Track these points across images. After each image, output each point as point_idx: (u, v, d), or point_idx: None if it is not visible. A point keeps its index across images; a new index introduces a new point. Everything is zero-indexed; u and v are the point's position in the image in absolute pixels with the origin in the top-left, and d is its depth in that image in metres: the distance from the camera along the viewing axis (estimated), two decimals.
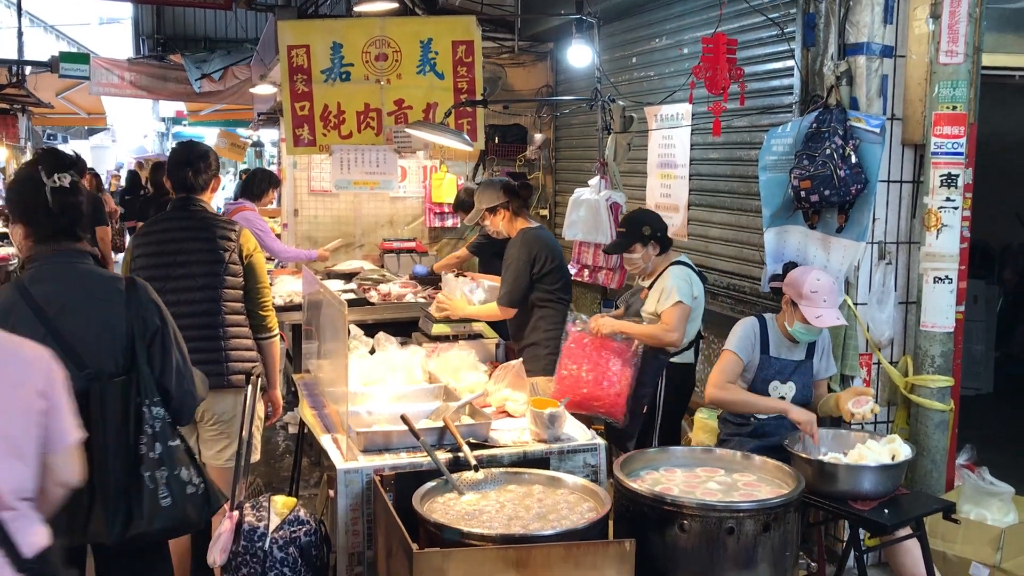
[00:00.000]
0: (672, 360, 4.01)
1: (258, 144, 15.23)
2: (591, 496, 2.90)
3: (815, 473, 3.20)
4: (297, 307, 5.09)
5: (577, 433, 3.41)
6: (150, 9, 17.61)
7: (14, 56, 14.51)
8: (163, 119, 22.94)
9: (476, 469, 3.03)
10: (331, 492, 4.27)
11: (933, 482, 3.77)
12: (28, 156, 15.96)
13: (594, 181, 5.05)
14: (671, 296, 3.91)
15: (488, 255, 6.40)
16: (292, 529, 3.00)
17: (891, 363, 3.97)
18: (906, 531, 3.27)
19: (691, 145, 5.12)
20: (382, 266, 7.19)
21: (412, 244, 7.20)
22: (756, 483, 3.06)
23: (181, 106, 20.09)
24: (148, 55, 16.70)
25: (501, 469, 3.08)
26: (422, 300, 5.90)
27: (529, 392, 3.66)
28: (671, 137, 5.31)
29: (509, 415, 3.69)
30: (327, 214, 7.56)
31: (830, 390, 3.82)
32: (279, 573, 2.94)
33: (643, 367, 3.92)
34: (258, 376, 3.52)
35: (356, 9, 5.71)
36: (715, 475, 3.15)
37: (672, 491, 2.95)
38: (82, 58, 14.76)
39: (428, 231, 7.70)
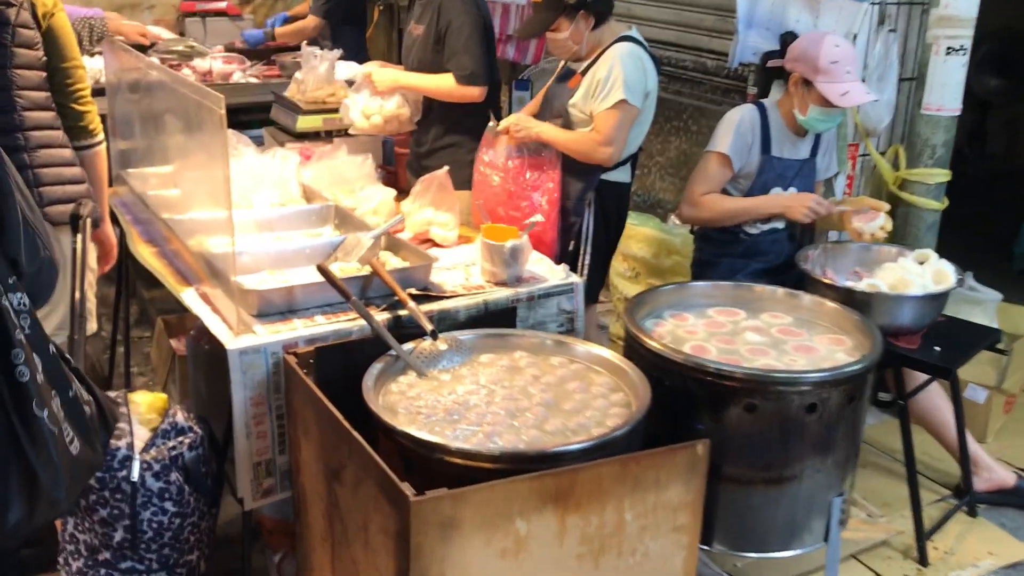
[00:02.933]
0: (602, 177, 2.98)
1: None
2: (602, 364, 2.10)
3: (843, 303, 2.52)
4: (100, 92, 3.62)
5: (543, 270, 2.55)
6: None
7: None
8: None
9: (434, 336, 2.12)
10: (176, 346, 3.22)
11: None
12: None
13: None
14: (613, 90, 2.81)
15: (340, 19, 5.11)
16: (170, 445, 2.00)
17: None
18: None
19: None
20: (181, 33, 5.66)
21: (222, 4, 5.68)
22: (795, 329, 2.35)
23: None
24: None
25: (466, 334, 2.19)
26: (255, 80, 4.60)
27: (474, 214, 2.71)
28: None
29: (435, 244, 2.75)
30: None
31: (827, 196, 3.12)
32: (158, 509, 1.97)
33: (565, 188, 2.96)
34: (89, 214, 2.31)
35: None
36: (736, 318, 2.42)
37: (709, 351, 2.19)
38: None
39: None
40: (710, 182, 2.85)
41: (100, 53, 3.86)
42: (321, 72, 3.70)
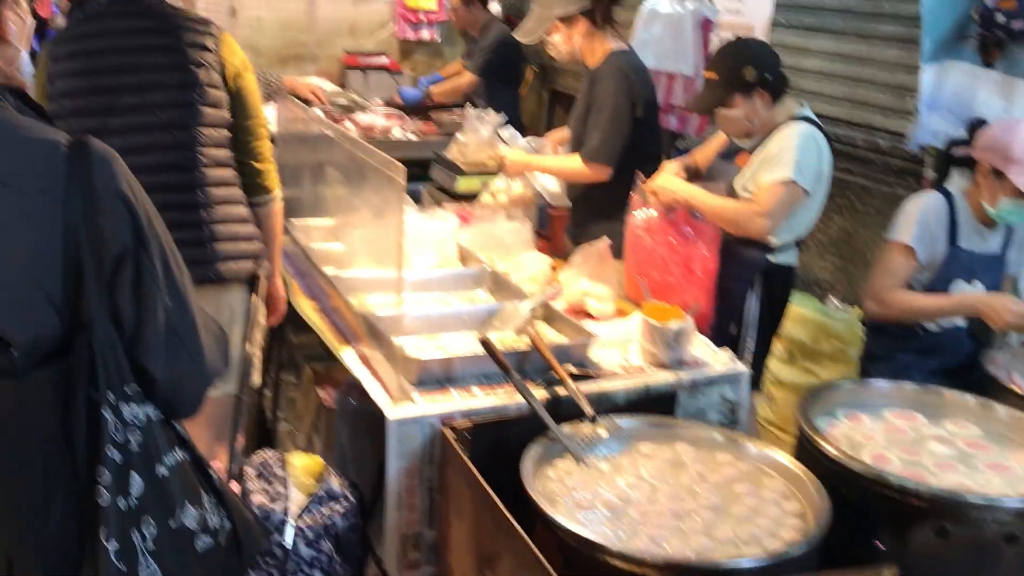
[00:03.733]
0: (768, 258, 2.81)
1: None
2: (774, 467, 1.96)
3: None
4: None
5: (705, 354, 2.43)
6: None
7: None
8: None
9: (593, 420, 2.03)
10: (324, 398, 3.24)
11: None
12: None
13: None
14: (782, 167, 2.68)
15: (494, 77, 5.18)
16: (323, 512, 1.98)
17: None
18: None
19: None
20: (343, 85, 5.86)
21: (384, 60, 5.86)
22: (985, 443, 2.15)
23: None
24: None
25: (626, 420, 2.10)
26: (413, 137, 4.69)
27: (628, 284, 2.63)
28: None
29: (589, 316, 2.68)
30: (272, 16, 6.07)
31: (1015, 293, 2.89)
32: None
33: (727, 268, 2.77)
34: (266, 274, 2.33)
35: None
36: (916, 423, 2.23)
37: (891, 462, 2.02)
38: None
39: (399, 43, 6.33)
40: (894, 276, 2.68)
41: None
42: (483, 135, 3.73)
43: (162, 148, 2.30)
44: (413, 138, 4.69)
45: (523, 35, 3.38)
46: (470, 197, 3.62)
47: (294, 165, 3.20)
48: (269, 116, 4.10)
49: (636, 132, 3.16)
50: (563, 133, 3.55)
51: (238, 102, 2.42)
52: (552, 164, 3.36)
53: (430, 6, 6.03)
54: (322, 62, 6.18)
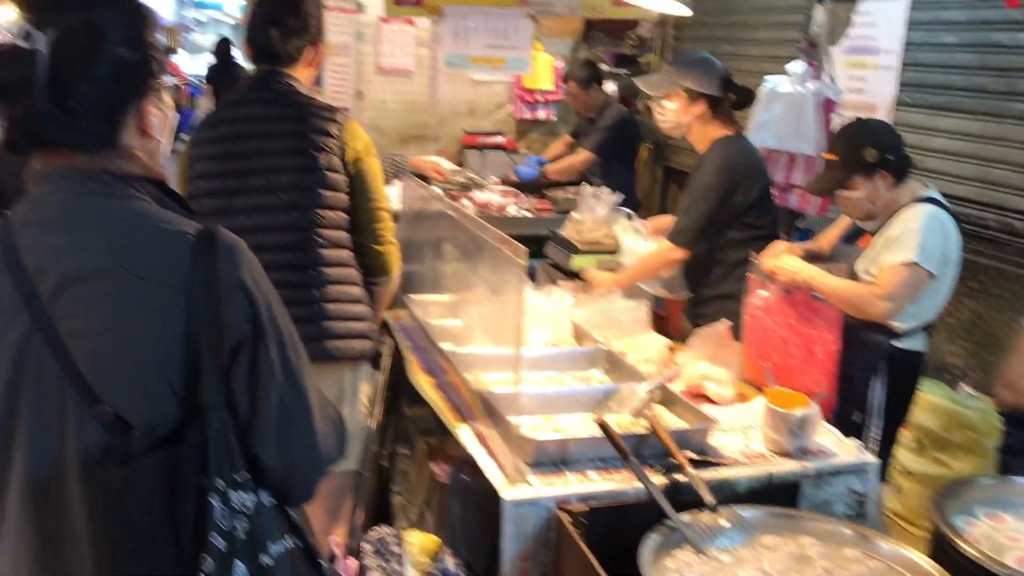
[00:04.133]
0: (894, 344, 2.73)
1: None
2: (907, 567, 1.85)
3: None
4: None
5: (830, 443, 2.34)
6: None
7: None
8: None
9: (714, 509, 1.97)
10: (437, 473, 3.24)
11: None
12: None
13: (796, 67, 3.82)
14: (905, 249, 2.63)
15: (611, 156, 5.24)
16: None
17: None
18: None
19: (909, 24, 3.86)
20: (460, 164, 6.02)
21: (501, 139, 6.00)
22: None
23: None
24: None
25: (748, 510, 2.02)
26: (528, 214, 4.75)
27: (748, 367, 2.57)
28: (872, 14, 4.04)
29: (708, 400, 2.62)
30: (398, 99, 6.33)
31: None
32: None
33: (851, 354, 2.67)
34: (389, 355, 2.39)
35: None
36: None
37: None
38: None
39: (516, 123, 6.48)
40: None
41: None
42: (599, 214, 3.75)
43: (283, 228, 2.41)
44: (528, 215, 4.76)
45: (646, 87, 3.40)
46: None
47: (415, 241, 3.29)
48: (393, 194, 4.27)
49: (746, 215, 3.16)
50: (666, 220, 3.54)
51: (358, 185, 2.50)
52: (638, 269, 3.36)
53: (547, 87, 6.17)
54: (442, 142, 6.38)
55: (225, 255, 1.34)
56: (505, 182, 5.31)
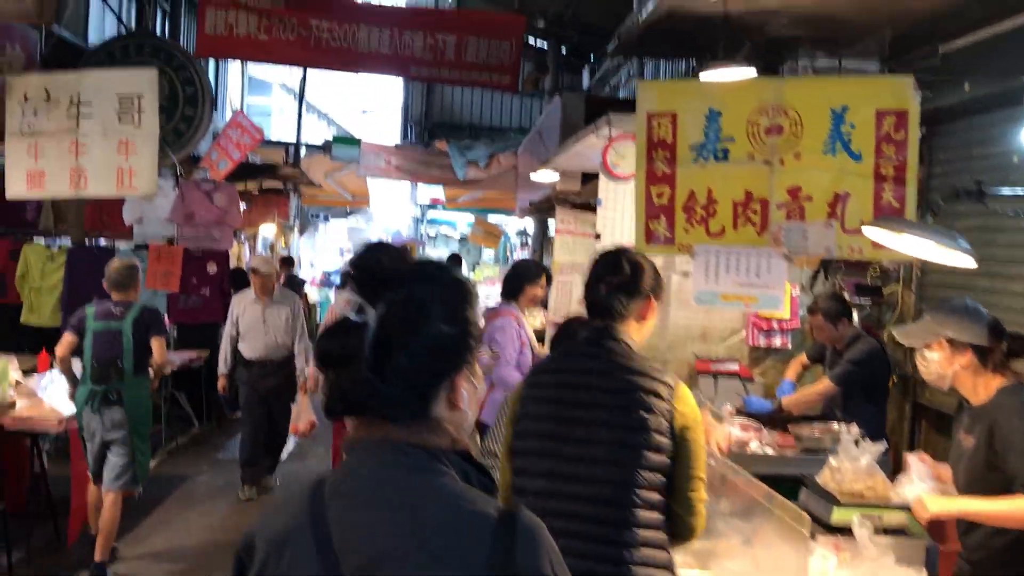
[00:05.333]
0: None
1: (524, 233, 14.36)
2: None
3: None
4: None
5: None
6: (419, 96, 17.89)
7: (291, 139, 14.92)
8: (419, 204, 23.18)
9: None
10: None
11: None
12: (296, 235, 16.26)
13: None
14: None
15: (858, 390, 4.91)
16: None
17: None
18: None
19: None
20: (690, 389, 5.85)
21: (734, 366, 5.81)
22: None
23: (437, 192, 20.17)
24: (414, 141, 16.80)
25: None
26: (771, 451, 4.45)
27: None
28: None
29: None
30: None
31: None
32: None
33: None
34: None
35: (703, 76, 4.54)
36: None
37: None
38: (353, 142, 14.95)
39: (749, 350, 6.30)
40: None
41: None
42: (861, 464, 3.44)
43: (601, 482, 2.40)
44: (771, 452, 4.46)
45: (904, 337, 3.25)
46: (845, 530, 3.29)
47: None
48: None
49: None
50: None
51: (681, 453, 2.45)
52: (991, 509, 2.92)
53: (783, 315, 6.01)
54: (672, 365, 6.26)
55: (525, 543, 1.34)
56: (739, 412, 5.06)
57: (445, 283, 1.46)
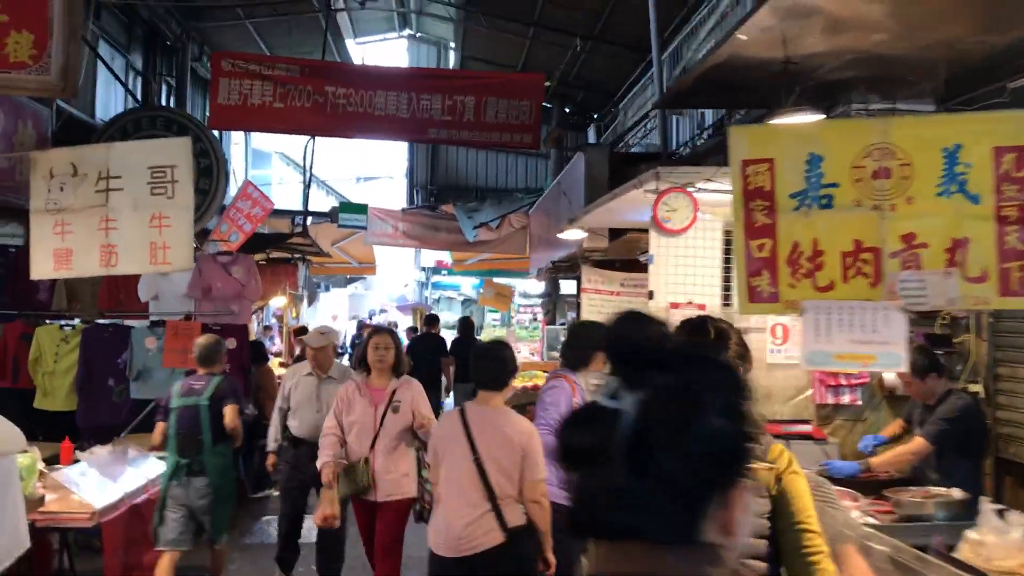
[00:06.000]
0: None
1: (547, 294, 14.09)
2: None
3: None
4: None
5: None
6: (424, 160, 17.77)
7: (292, 209, 14.69)
8: (423, 268, 22.93)
9: None
10: None
11: None
12: (304, 305, 15.92)
13: None
14: None
15: (954, 448, 4.60)
16: None
17: None
18: None
19: None
20: None
21: (807, 428, 5.49)
22: None
23: (442, 255, 19.96)
24: (421, 205, 16.63)
25: None
26: (873, 520, 4.12)
27: None
28: None
29: None
30: None
31: None
32: None
33: None
34: None
35: (774, 122, 4.31)
36: None
37: None
38: (360, 208, 14.73)
39: (816, 408, 5.98)
40: None
41: None
42: (1010, 537, 3.12)
43: None
44: (873, 521, 4.12)
45: None
46: None
47: None
48: None
49: None
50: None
51: (782, 504, 2.30)
52: None
53: (852, 370, 5.71)
54: None
55: None
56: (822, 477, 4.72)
57: (718, 367, 1.17)
